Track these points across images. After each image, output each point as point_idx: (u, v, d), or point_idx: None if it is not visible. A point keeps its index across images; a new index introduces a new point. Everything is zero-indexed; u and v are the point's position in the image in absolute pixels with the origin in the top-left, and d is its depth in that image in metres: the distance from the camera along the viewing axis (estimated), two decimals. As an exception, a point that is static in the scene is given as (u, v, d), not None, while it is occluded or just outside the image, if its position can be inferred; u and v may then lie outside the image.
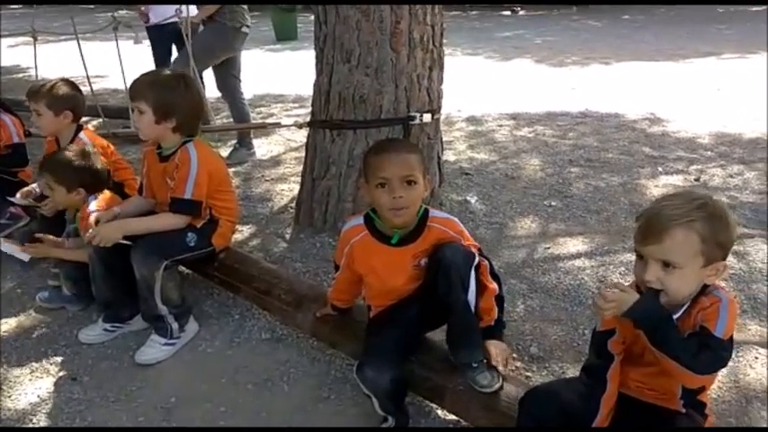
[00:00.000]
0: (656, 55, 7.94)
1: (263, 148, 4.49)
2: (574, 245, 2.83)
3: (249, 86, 6.71)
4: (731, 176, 3.59)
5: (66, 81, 2.65)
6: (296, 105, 5.82)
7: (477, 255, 1.70)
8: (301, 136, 4.36)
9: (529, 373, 2.00)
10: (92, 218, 2.09)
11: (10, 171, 3.04)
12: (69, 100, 2.58)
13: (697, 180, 3.56)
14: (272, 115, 5.54)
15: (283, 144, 4.57)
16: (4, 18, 14.64)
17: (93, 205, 2.30)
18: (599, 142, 4.30)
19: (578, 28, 11.46)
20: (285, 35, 10.94)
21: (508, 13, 15.08)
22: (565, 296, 2.41)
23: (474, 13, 15.49)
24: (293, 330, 2.26)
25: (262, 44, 10.57)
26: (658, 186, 3.47)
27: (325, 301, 2.05)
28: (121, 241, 2.08)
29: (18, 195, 2.61)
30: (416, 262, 1.71)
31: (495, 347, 1.71)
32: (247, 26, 4.08)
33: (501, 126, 4.86)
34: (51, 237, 2.37)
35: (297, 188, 3.24)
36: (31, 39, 4.05)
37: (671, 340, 1.27)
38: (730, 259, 2.61)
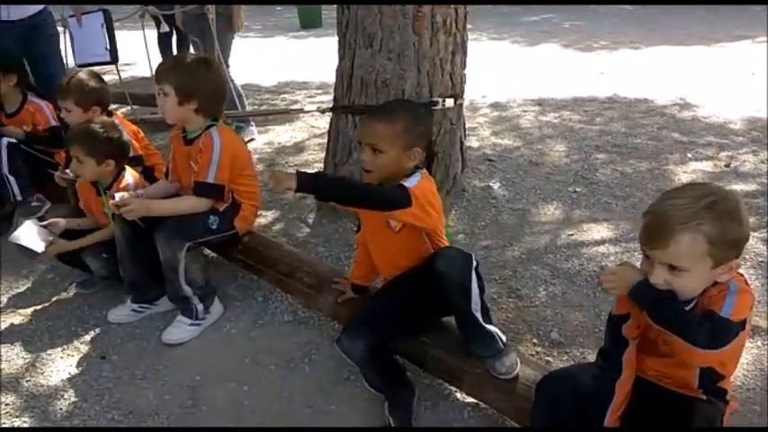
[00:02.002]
0: (686, 39, 7.72)
1: (286, 134, 4.52)
2: (598, 231, 2.79)
3: (273, 74, 6.79)
4: (763, 162, 3.49)
5: (92, 74, 2.68)
6: (320, 92, 5.82)
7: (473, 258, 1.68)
8: (324, 122, 4.37)
9: (549, 358, 1.99)
10: (117, 196, 2.13)
11: (47, 152, 3.12)
12: (96, 94, 2.62)
13: (727, 166, 3.47)
14: (295, 102, 5.57)
15: (307, 130, 4.59)
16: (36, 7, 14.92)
17: (131, 178, 2.35)
18: (627, 128, 4.22)
19: (607, 12, 11.18)
20: (310, 22, 10.94)
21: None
22: (587, 282, 2.39)
23: (500, -3, 15.24)
24: (315, 313, 2.29)
25: (286, 31, 10.61)
26: (687, 173, 3.40)
27: (344, 284, 2.08)
28: (138, 223, 2.13)
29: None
30: (385, 221, 1.75)
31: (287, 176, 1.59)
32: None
33: (526, 112, 4.79)
34: (61, 220, 2.41)
35: (319, 174, 3.26)
36: (62, 27, 4.13)
37: (673, 316, 1.24)
38: (759, 246, 2.56)
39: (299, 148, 4.25)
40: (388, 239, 1.77)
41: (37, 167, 3.03)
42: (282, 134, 4.51)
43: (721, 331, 1.21)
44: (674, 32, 8.34)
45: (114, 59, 3.71)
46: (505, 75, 6.14)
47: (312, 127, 4.64)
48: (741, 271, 1.33)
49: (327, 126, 3.21)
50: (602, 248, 2.64)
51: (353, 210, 1.91)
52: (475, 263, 1.66)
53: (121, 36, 4.17)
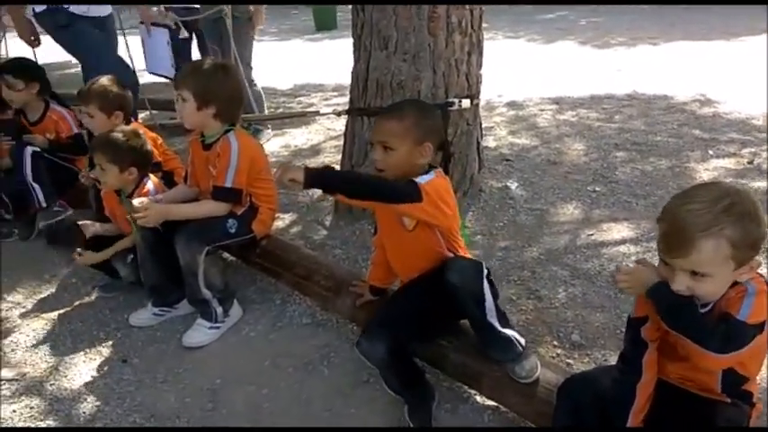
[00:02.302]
0: (706, 34, 7.60)
1: (303, 137, 4.54)
2: (618, 231, 2.75)
3: (289, 76, 6.82)
4: (787, 159, 3.42)
5: (114, 80, 2.71)
6: (336, 94, 5.84)
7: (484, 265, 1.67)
8: (341, 125, 4.38)
9: (570, 360, 1.97)
10: (135, 202, 2.16)
11: (70, 159, 3.17)
12: (120, 100, 2.65)
13: (750, 163, 3.40)
14: (311, 105, 5.58)
15: (323, 133, 4.60)
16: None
17: (152, 186, 2.37)
18: (646, 125, 4.16)
19: (625, 8, 11.04)
20: (325, 24, 10.98)
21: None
22: (608, 283, 2.36)
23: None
24: (333, 315, 2.29)
25: (302, 34, 10.66)
26: (709, 170, 3.34)
27: (362, 287, 2.08)
28: (158, 228, 2.15)
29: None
30: (399, 219, 1.75)
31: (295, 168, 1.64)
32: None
33: (543, 110, 4.75)
34: (89, 222, 2.45)
35: (336, 176, 3.26)
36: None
37: (689, 321, 1.21)
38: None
39: (315, 150, 4.26)
40: (403, 239, 1.77)
41: (60, 174, 3.08)
42: (299, 137, 4.53)
43: (735, 335, 1.19)
44: (694, 27, 8.21)
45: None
46: (522, 73, 6.10)
47: (328, 129, 4.66)
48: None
49: (343, 128, 3.21)
50: (622, 248, 2.61)
51: (370, 208, 1.91)
52: (486, 271, 1.65)
53: (138, 41, 4.23)
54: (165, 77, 3.83)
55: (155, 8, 4.19)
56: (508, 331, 1.65)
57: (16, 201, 3.12)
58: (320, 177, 1.62)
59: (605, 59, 6.64)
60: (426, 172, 1.71)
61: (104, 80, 2.67)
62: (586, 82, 5.48)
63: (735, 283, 1.25)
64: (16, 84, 3.07)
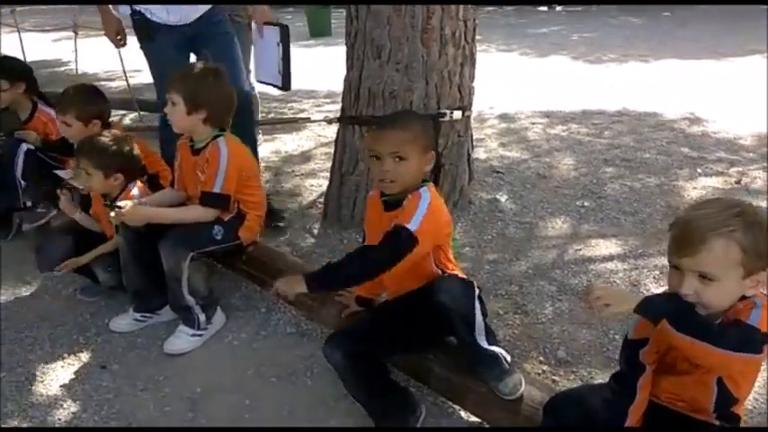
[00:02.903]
0: (697, 53, 7.69)
1: (293, 143, 4.52)
2: (606, 247, 2.76)
3: (282, 82, 6.80)
4: (774, 179, 3.45)
5: (91, 88, 2.66)
6: (327, 101, 5.83)
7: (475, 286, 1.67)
8: (332, 132, 4.36)
9: (555, 377, 1.95)
10: (119, 204, 2.12)
11: (58, 159, 3.12)
12: (97, 108, 2.60)
13: (738, 182, 3.43)
14: (303, 111, 5.57)
15: (314, 139, 4.59)
16: (49, 13, 15.10)
17: (137, 191, 2.33)
18: (636, 142, 4.19)
19: (617, 25, 11.18)
20: (319, 31, 10.98)
21: (545, 8, 14.83)
22: (593, 303, 2.34)
23: (509, 8, 15.27)
24: (318, 325, 2.26)
25: (295, 40, 10.57)
26: (697, 188, 3.36)
27: (348, 297, 2.05)
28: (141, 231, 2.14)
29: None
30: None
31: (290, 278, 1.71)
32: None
33: (534, 124, 4.77)
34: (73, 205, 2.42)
35: (326, 184, 3.25)
36: (73, 33, 4.16)
37: (697, 322, 1.20)
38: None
39: (305, 156, 4.25)
40: None
41: (48, 175, 3.03)
42: (289, 143, 4.51)
43: (749, 337, 1.18)
44: (684, 46, 8.31)
45: (286, 86, 3.02)
46: (514, 86, 6.13)
47: (319, 136, 4.64)
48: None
49: (334, 135, 3.19)
50: (610, 265, 2.61)
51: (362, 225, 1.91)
52: (477, 291, 1.64)
53: (130, 42, 4.19)
54: (272, 86, 3.23)
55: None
56: (495, 348, 1.63)
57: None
58: (323, 281, 1.68)
59: (597, 75, 6.70)
60: (420, 187, 1.71)
61: (81, 87, 2.63)
62: (578, 97, 5.52)
63: (742, 297, 1.25)
64: (1, 84, 3.02)
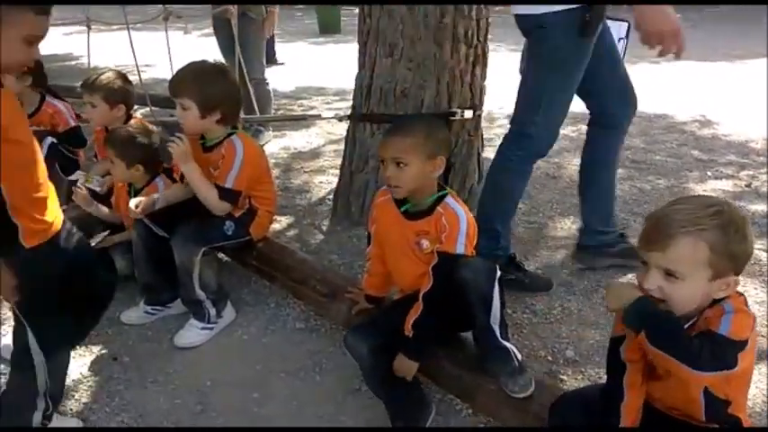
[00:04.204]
0: (708, 55, 7.64)
1: (303, 139, 4.53)
2: (615, 248, 2.75)
3: (291, 79, 6.82)
4: (785, 183, 3.44)
5: (120, 74, 2.69)
6: (337, 98, 5.84)
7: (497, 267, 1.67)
8: (341, 129, 4.37)
9: (564, 377, 1.96)
10: (132, 203, 2.16)
11: (70, 150, 3.14)
12: (124, 93, 2.62)
13: (748, 186, 3.42)
14: (312, 108, 5.58)
15: (323, 136, 4.60)
16: (60, 7, 15.15)
17: (162, 184, 2.37)
18: (646, 144, 4.17)
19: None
20: (329, 28, 11.00)
21: (555, 9, 14.76)
22: (604, 300, 2.35)
23: (519, 8, 15.20)
24: (327, 321, 2.27)
25: (305, 37, 10.66)
26: (707, 191, 3.35)
27: (358, 294, 2.07)
28: (159, 231, 2.16)
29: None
30: (418, 239, 1.73)
31: (397, 362, 1.69)
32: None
33: (543, 124, 4.76)
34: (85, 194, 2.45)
35: (335, 180, 3.26)
36: (85, 27, 4.18)
37: (672, 337, 1.18)
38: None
39: (314, 153, 4.26)
40: (414, 263, 1.76)
41: (62, 168, 3.05)
42: (298, 139, 4.52)
43: (722, 351, 1.16)
44: (696, 48, 8.22)
45: None
46: (523, 86, 6.11)
47: (328, 133, 4.65)
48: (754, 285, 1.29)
49: (343, 132, 3.21)
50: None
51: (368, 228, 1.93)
52: (498, 273, 1.64)
53: (142, 37, 4.22)
54: None
55: None
56: (507, 344, 1.64)
57: None
58: (422, 346, 1.69)
59: (607, 76, 6.67)
60: (442, 194, 1.72)
61: (110, 72, 2.66)
62: (587, 97, 5.49)
63: (713, 303, 1.23)
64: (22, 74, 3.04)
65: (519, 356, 1.65)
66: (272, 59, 7.80)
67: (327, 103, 5.76)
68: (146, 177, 2.37)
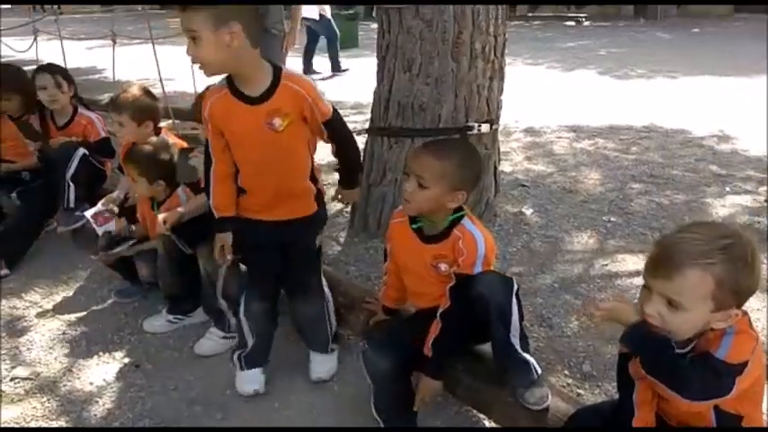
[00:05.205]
0: (727, 69, 7.61)
1: (321, 152, 4.57)
2: (633, 263, 2.75)
3: (310, 92, 6.91)
4: (805, 199, 3.41)
5: (145, 90, 2.73)
6: (354, 112, 5.90)
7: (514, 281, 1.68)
8: (359, 142, 4.42)
9: (580, 391, 1.96)
10: (160, 218, 2.22)
11: (99, 160, 3.22)
12: (150, 110, 2.67)
13: (767, 201, 3.39)
14: (330, 121, 5.64)
15: (340, 149, 4.64)
16: (84, 22, 15.53)
17: (183, 195, 2.42)
18: (663, 158, 4.17)
19: (645, 40, 11.12)
20: (346, 43, 11.10)
21: (572, 23, 14.82)
22: (588, 307, 2.35)
23: (537, 23, 15.30)
24: (345, 332, 2.30)
25: (323, 51, 10.77)
26: (725, 206, 3.33)
27: (375, 305, 2.09)
28: (183, 248, 2.23)
29: (100, 204, 2.66)
30: (435, 263, 1.74)
31: (422, 385, 1.72)
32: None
33: (560, 138, 4.78)
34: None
35: (352, 194, 3.29)
36: (109, 41, 4.30)
37: (663, 365, 1.18)
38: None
39: (332, 165, 4.28)
40: (431, 284, 1.77)
41: (91, 177, 3.12)
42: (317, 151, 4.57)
43: (717, 377, 1.15)
44: (714, 62, 8.24)
45: None
46: (540, 100, 6.14)
47: (346, 146, 4.69)
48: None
49: (361, 146, 3.24)
50: (636, 280, 2.60)
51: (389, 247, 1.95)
52: (516, 287, 1.65)
53: (163, 50, 4.33)
54: None
55: None
56: (527, 356, 1.65)
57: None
58: (442, 364, 1.72)
59: (624, 90, 6.67)
60: (458, 216, 1.73)
61: (136, 90, 2.70)
62: (604, 112, 5.51)
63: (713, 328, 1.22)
64: (64, 84, 3.14)
65: (539, 370, 1.66)
66: (309, 71, 8.17)
67: (345, 116, 5.74)
68: (167, 191, 2.43)
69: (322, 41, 8.48)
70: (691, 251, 1.16)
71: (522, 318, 1.65)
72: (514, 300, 1.62)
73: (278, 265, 1.97)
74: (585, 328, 2.28)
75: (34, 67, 3.42)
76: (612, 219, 3.18)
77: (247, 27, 1.65)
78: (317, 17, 8.09)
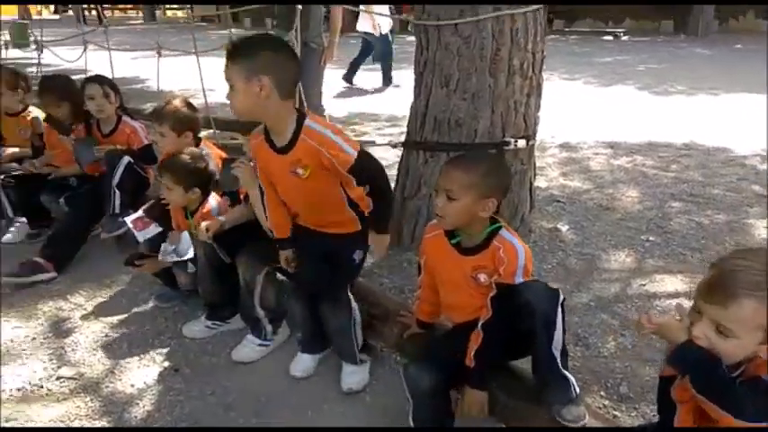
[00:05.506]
0: (770, 87, 7.42)
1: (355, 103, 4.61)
2: (672, 283, 2.70)
3: (344, 104, 7.00)
4: None
5: (186, 102, 2.82)
6: (388, 124, 5.95)
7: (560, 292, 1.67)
8: (392, 155, 4.46)
9: (617, 413, 1.93)
10: (202, 226, 2.28)
11: (142, 167, 3.31)
12: (190, 121, 2.75)
13: (814, 224, 3.29)
14: (365, 133, 5.70)
15: (375, 161, 4.68)
16: (129, 33, 16.06)
17: (214, 203, 2.49)
18: (704, 177, 4.08)
19: (685, 56, 10.93)
20: (382, 56, 11.20)
21: (610, 38, 14.66)
22: (638, 321, 2.30)
23: (573, 37, 15.18)
24: (378, 343, 2.32)
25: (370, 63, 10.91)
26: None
27: (410, 318, 2.10)
28: (223, 256, 2.28)
29: (141, 210, 2.74)
30: (475, 274, 1.75)
31: (468, 398, 1.72)
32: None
33: (597, 154, 4.73)
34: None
35: (387, 206, 3.31)
36: (152, 53, 4.44)
37: (714, 385, 1.16)
38: None
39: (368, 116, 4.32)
40: (471, 296, 1.78)
41: (135, 184, 3.22)
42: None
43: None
44: (756, 79, 8.03)
45: None
46: (576, 115, 6.10)
47: (380, 158, 4.68)
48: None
49: (394, 158, 3.27)
50: (675, 301, 2.55)
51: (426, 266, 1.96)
52: (562, 298, 1.65)
53: (206, 62, 4.44)
54: None
55: None
56: (567, 373, 1.64)
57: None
58: (485, 375, 1.73)
59: (663, 107, 6.57)
60: (496, 227, 1.74)
61: (177, 101, 2.79)
62: (643, 128, 5.43)
63: None
64: (111, 95, 3.27)
65: (577, 389, 1.65)
66: (350, 82, 8.46)
67: (379, 128, 5.88)
68: (200, 199, 2.49)
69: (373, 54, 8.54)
70: (748, 281, 1.16)
71: (564, 332, 1.65)
72: (560, 311, 1.62)
73: (325, 272, 2.04)
74: (623, 348, 2.25)
75: (82, 76, 3.56)
76: (651, 238, 3.13)
77: (278, 81, 1.78)
78: (374, 31, 8.17)
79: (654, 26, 16.19)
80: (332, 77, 8.92)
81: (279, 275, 2.26)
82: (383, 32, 8.20)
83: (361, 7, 7.49)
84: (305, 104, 4.17)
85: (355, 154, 1.84)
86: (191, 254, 2.40)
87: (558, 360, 1.62)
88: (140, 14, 30.54)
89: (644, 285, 2.69)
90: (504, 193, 1.83)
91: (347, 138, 1.90)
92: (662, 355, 2.17)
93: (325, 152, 1.80)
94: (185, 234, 2.47)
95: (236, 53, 1.79)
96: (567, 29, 16.89)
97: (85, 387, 2.17)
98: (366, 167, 1.88)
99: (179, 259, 2.41)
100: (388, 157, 4.55)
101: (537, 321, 1.59)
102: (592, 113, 6.28)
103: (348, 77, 8.54)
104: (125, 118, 3.42)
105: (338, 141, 1.82)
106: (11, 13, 25.84)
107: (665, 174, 4.17)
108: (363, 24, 8.19)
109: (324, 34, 4.51)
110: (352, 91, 8.22)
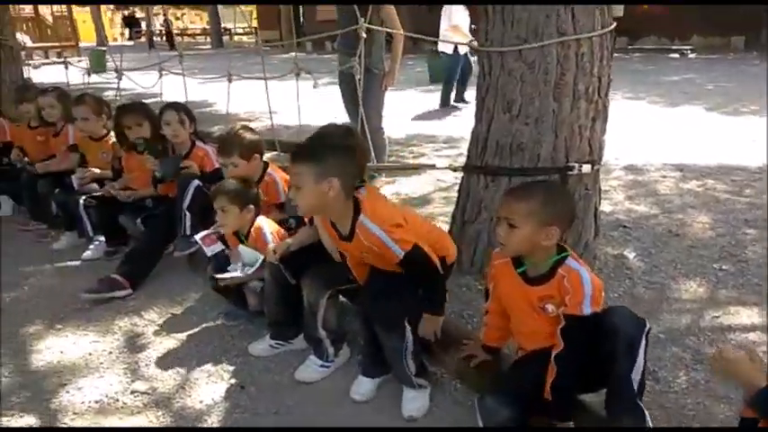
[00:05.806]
0: None
1: (412, 185, 4.67)
2: (748, 316, 2.57)
3: (402, 126, 7.07)
4: None
5: (247, 128, 2.93)
6: (446, 146, 5.96)
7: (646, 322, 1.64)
8: (451, 177, 4.47)
9: (689, 452, 1.85)
10: (269, 247, 2.37)
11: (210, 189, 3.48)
12: (256, 145, 2.87)
13: None
14: (423, 155, 5.73)
15: (432, 183, 4.71)
16: (196, 58, 16.83)
17: (267, 227, 2.58)
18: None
19: (758, 74, 10.42)
20: (439, 78, 11.27)
21: (676, 55, 14.20)
22: (710, 364, 2.19)
23: (637, 55, 14.80)
24: (438, 369, 2.31)
25: (416, 85, 11.02)
26: None
27: (474, 346, 2.10)
28: (290, 278, 2.36)
29: (211, 229, 2.85)
30: (542, 304, 1.74)
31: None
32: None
33: (665, 177, 4.57)
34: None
35: (445, 228, 3.32)
36: (220, 78, 4.64)
37: None
38: None
39: (425, 200, 4.37)
40: (540, 324, 1.78)
41: (204, 207, 3.37)
42: (409, 185, 4.66)
43: None
44: None
45: None
46: (642, 136, 5.92)
47: (438, 180, 4.76)
48: None
49: (453, 180, 3.28)
50: (752, 335, 2.43)
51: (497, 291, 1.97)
52: (648, 327, 1.63)
53: (271, 85, 4.61)
54: None
55: None
56: (641, 404, 1.60)
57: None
58: (564, 406, 1.75)
59: (735, 128, 6.28)
60: (562, 256, 1.73)
61: (239, 130, 2.87)
62: (713, 150, 5.21)
63: None
64: (186, 121, 3.45)
65: (650, 422, 1.60)
66: (447, 104, 8.61)
67: (437, 150, 5.90)
68: (252, 220, 2.60)
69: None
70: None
71: (645, 363, 1.61)
72: (644, 340, 1.60)
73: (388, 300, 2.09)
74: (695, 383, 2.15)
75: (158, 99, 3.76)
76: (724, 266, 2.99)
77: (345, 182, 1.91)
78: (452, 52, 8.32)
79: (723, 42, 15.56)
80: (391, 98, 9.07)
81: (342, 298, 2.31)
82: (461, 52, 8.27)
83: (448, 28, 7.75)
84: (366, 126, 4.27)
85: (402, 254, 1.93)
86: (259, 260, 2.50)
87: (636, 388, 1.58)
88: (208, 39, 32.01)
89: (717, 317, 2.57)
90: (569, 221, 1.82)
91: (401, 234, 1.94)
92: (737, 392, 2.08)
93: (377, 249, 1.96)
94: (241, 247, 2.57)
95: (305, 156, 1.88)
96: (630, 46, 16.48)
97: (157, 402, 2.27)
98: (413, 262, 1.96)
99: (253, 269, 2.51)
100: (447, 179, 4.58)
101: (620, 343, 1.57)
102: (658, 134, 6.08)
103: (444, 101, 8.63)
104: (198, 142, 3.59)
105: (388, 242, 1.92)
106: (89, 39, 27.76)
107: (739, 198, 3.98)
108: (442, 45, 8.34)
109: (385, 58, 4.60)
110: (409, 112, 8.29)
